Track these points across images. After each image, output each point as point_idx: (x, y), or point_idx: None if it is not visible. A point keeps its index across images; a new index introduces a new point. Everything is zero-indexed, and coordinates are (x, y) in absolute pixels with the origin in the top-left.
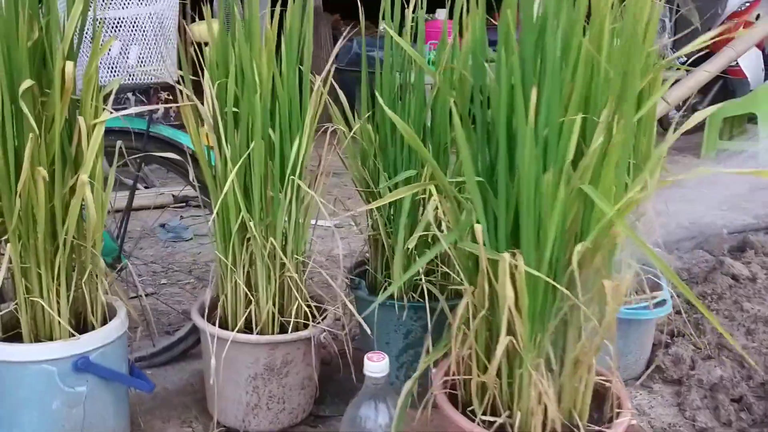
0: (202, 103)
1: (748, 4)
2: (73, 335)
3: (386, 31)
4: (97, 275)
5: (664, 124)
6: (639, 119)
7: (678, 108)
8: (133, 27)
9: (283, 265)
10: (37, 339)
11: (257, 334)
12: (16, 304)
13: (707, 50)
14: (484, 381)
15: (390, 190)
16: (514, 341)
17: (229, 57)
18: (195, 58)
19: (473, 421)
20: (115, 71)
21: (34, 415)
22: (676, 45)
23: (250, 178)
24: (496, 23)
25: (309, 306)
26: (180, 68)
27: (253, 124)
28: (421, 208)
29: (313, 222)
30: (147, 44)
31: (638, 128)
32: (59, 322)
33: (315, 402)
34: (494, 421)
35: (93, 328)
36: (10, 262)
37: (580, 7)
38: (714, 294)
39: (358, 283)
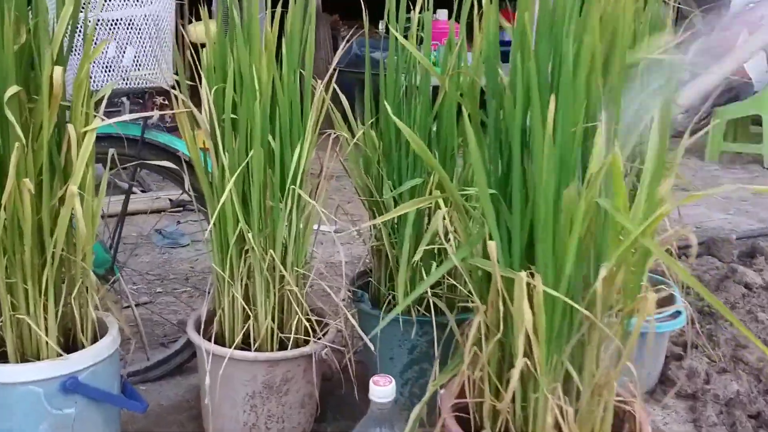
0: (199, 109)
1: (753, 4)
2: (61, 354)
3: (391, 33)
4: (87, 290)
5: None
6: None
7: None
8: (128, 29)
9: (282, 278)
10: (23, 358)
11: (255, 350)
12: (1, 321)
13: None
14: (496, 405)
15: (394, 200)
16: (529, 364)
17: (228, 61)
18: (192, 62)
19: None
20: (109, 74)
21: None
22: (678, 47)
23: (249, 187)
24: (507, 24)
25: (309, 320)
26: (176, 72)
27: (252, 131)
28: (427, 217)
29: (314, 227)
30: (142, 47)
31: None
32: (46, 341)
33: (315, 420)
34: None
35: (83, 346)
36: None
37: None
38: (727, 303)
39: (360, 295)
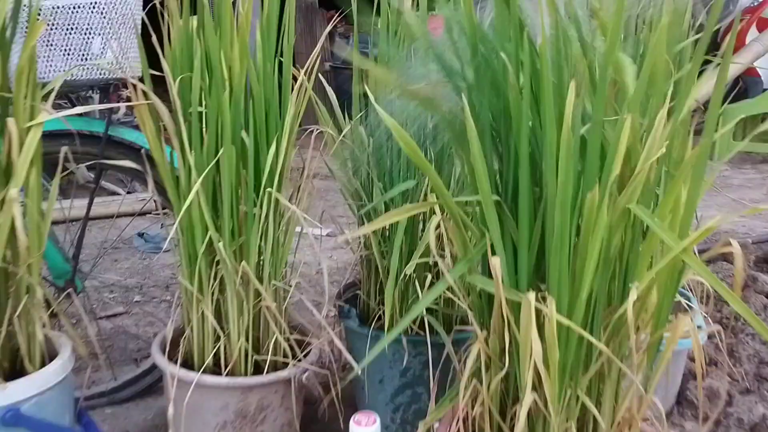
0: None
1: (761, 0)
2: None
3: (381, 21)
4: (38, 307)
5: None
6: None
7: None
8: (91, 14)
9: (258, 293)
10: None
11: (227, 374)
12: None
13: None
14: None
15: (386, 205)
16: (538, 400)
17: (194, 48)
18: (162, 50)
19: None
20: (71, 63)
21: None
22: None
23: (219, 190)
24: None
25: (289, 339)
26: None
27: (222, 126)
28: (421, 224)
29: (297, 230)
30: (108, 34)
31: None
32: None
33: None
34: None
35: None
36: None
37: None
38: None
39: (347, 311)
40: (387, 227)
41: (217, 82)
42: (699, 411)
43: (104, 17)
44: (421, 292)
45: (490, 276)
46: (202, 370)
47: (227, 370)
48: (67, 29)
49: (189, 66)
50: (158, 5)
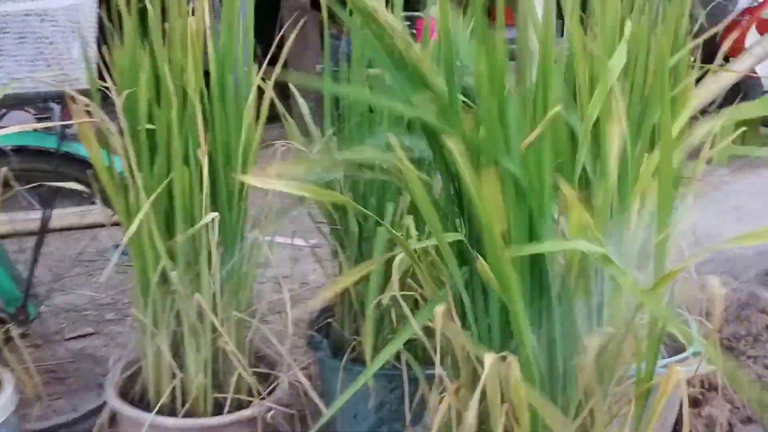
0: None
1: (761, 0)
2: None
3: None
4: None
5: None
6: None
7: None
8: (42, 23)
9: (215, 327)
10: None
11: (185, 414)
12: None
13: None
14: None
15: (360, 225)
16: None
17: (140, 58)
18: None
19: None
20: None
21: None
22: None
23: (174, 216)
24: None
25: (256, 373)
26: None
27: (174, 146)
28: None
29: (267, 238)
30: (56, 44)
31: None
32: None
33: None
34: None
35: None
36: None
37: None
38: (749, 336)
39: (319, 341)
40: (362, 251)
41: (165, 97)
42: None
43: (55, 26)
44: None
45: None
46: (156, 409)
47: (185, 409)
48: (19, 37)
49: (137, 79)
50: (105, 18)
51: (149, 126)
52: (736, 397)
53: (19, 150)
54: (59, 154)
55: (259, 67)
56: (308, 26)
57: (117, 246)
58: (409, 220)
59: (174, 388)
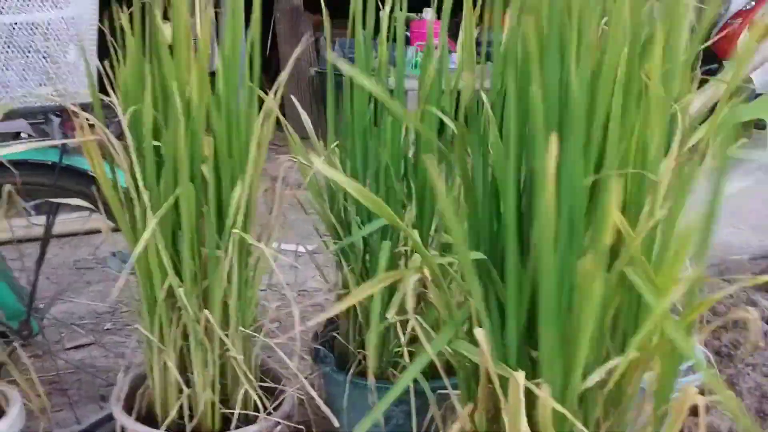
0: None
1: (755, 3)
2: None
3: (356, 35)
4: None
5: None
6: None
7: None
8: (39, 35)
9: (223, 342)
10: None
11: (193, 430)
12: None
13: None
14: None
15: (364, 242)
16: None
17: (145, 74)
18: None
19: None
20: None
21: None
22: None
23: (181, 232)
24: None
25: (263, 387)
26: (103, 88)
27: (180, 162)
28: (403, 259)
29: (272, 250)
30: (54, 56)
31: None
32: None
33: None
34: None
35: None
36: None
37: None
38: (748, 343)
39: (324, 355)
40: (367, 263)
41: (172, 114)
42: None
43: (53, 38)
44: (403, 335)
45: (476, 341)
46: (165, 426)
47: (192, 424)
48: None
49: (141, 94)
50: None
51: (155, 143)
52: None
53: (18, 163)
54: (60, 167)
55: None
56: (301, 28)
57: (114, 254)
58: (415, 234)
59: (181, 404)
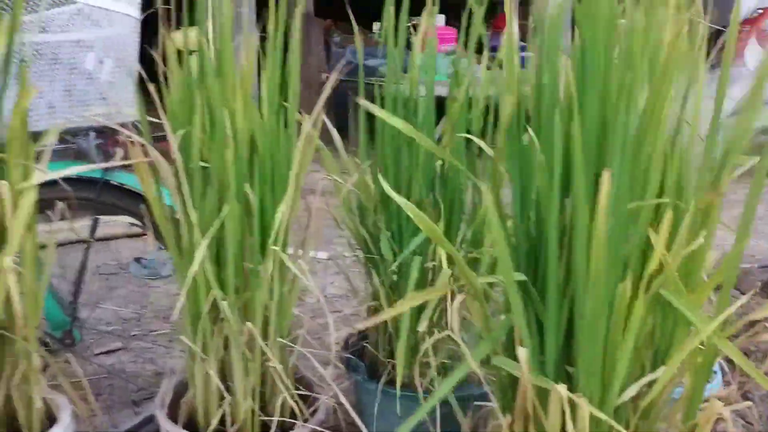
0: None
1: (761, 11)
2: None
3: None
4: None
5: None
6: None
7: None
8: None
9: (264, 352)
10: None
11: None
12: None
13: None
14: None
15: (395, 255)
16: None
17: (194, 99)
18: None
19: None
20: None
21: None
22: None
23: (223, 247)
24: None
25: (299, 394)
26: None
27: (226, 183)
28: (430, 273)
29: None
30: (99, 76)
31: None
32: None
33: None
34: None
35: None
36: None
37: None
38: (759, 352)
39: (355, 364)
40: (396, 275)
41: (219, 137)
42: None
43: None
44: (432, 348)
45: (514, 355)
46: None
47: (233, 430)
48: (62, 67)
49: (189, 118)
50: (150, 50)
51: (203, 164)
52: (749, 412)
53: (64, 178)
54: (103, 183)
55: None
56: (312, 34)
57: (138, 260)
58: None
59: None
